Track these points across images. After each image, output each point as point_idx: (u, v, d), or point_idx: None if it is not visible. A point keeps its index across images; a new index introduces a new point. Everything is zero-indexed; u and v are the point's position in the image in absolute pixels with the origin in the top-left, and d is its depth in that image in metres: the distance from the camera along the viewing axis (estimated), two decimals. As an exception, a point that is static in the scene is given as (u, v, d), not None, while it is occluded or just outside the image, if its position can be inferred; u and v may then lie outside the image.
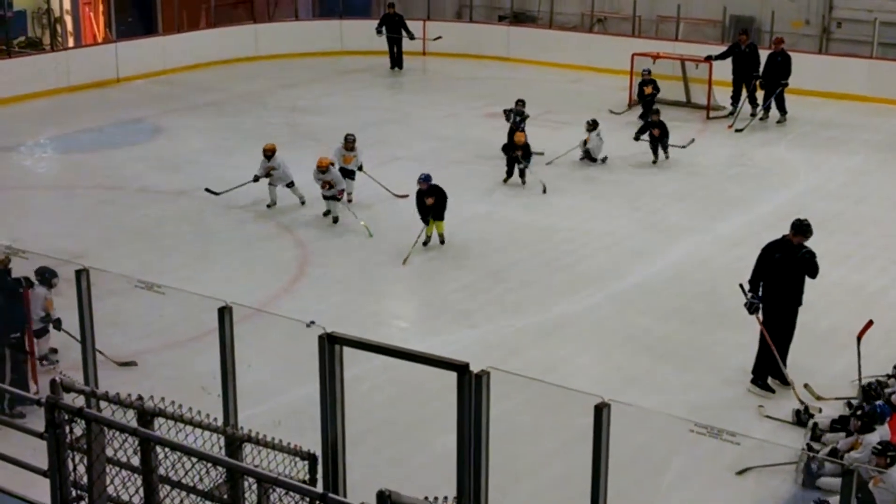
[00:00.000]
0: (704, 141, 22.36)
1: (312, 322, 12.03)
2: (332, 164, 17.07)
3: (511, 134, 19.65)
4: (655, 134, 19.82)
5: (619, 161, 20.71)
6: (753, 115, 23.29)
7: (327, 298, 14.36)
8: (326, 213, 17.25)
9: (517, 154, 18.82)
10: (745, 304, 11.82)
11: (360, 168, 18.05)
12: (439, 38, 29.01)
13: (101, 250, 15.73)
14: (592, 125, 20.29)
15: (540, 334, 13.46)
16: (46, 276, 11.60)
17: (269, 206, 17.87)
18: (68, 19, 30.11)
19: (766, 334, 11.72)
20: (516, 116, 20.46)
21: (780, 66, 22.87)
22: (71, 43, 29.73)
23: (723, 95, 23.87)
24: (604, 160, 20.31)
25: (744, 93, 23.45)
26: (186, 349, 12.29)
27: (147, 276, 12.15)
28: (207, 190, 18.07)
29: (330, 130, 22.81)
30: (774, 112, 23.28)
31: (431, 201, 15.49)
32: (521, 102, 20.64)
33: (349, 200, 17.58)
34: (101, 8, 30.07)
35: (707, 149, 21.81)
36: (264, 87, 27.09)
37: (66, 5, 29.92)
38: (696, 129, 23.07)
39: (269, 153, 17.66)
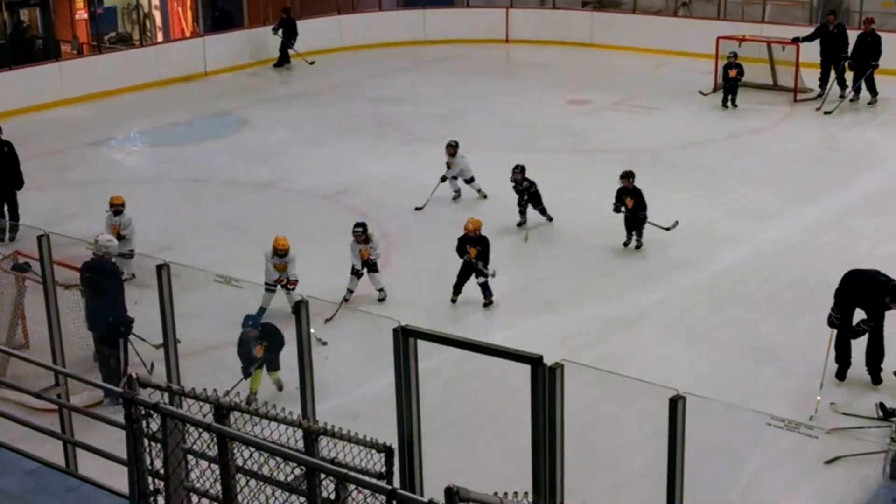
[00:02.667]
0: (792, 124, 22.02)
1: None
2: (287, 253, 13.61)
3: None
4: (629, 205, 15.46)
5: (703, 146, 20.47)
6: (842, 97, 22.83)
7: (409, 288, 14.40)
8: (260, 313, 13.24)
9: (470, 260, 13.99)
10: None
11: (375, 264, 14.18)
12: (313, 62, 28.23)
13: (188, 242, 15.99)
14: (454, 148, 17.57)
15: (623, 323, 13.34)
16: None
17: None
18: (157, 14, 30.62)
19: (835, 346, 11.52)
20: (519, 187, 16.43)
21: (870, 47, 22.36)
22: (160, 38, 30.23)
23: (810, 78, 23.42)
24: (472, 180, 17.69)
25: (832, 74, 22.99)
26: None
27: (233, 268, 12.37)
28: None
29: (414, 119, 22.95)
30: (865, 94, 22.78)
31: (261, 351, 11.56)
32: (519, 169, 16.42)
33: (346, 300, 13.96)
34: (188, 3, 30.51)
35: (795, 132, 21.46)
36: (349, 78, 27.25)
37: (155, 1, 30.40)
38: (783, 113, 22.70)
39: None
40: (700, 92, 23.81)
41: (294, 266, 13.60)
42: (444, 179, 17.54)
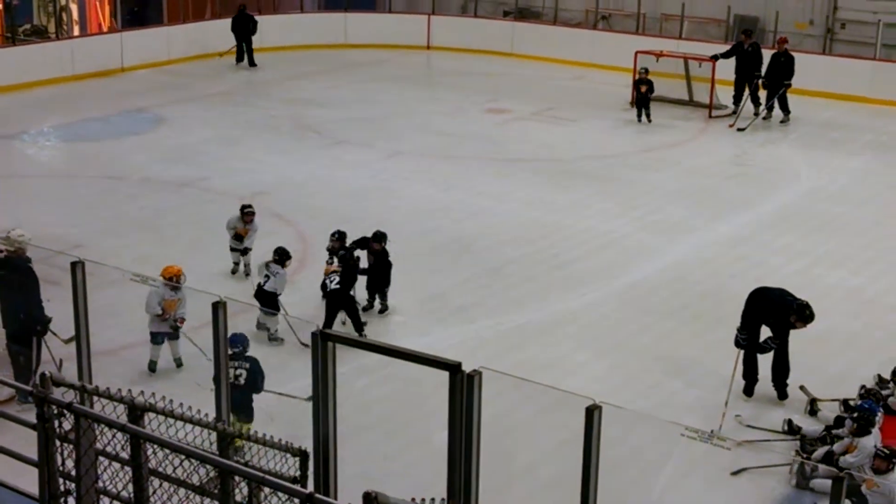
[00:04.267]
0: (707, 140, 22.40)
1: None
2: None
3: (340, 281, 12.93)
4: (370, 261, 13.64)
5: (619, 158, 20.74)
6: (756, 114, 23.26)
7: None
8: (153, 368, 12.00)
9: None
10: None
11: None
12: (222, 55, 28.27)
13: (101, 240, 15.75)
14: (252, 214, 14.55)
15: (539, 331, 13.44)
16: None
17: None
18: (74, 8, 30.13)
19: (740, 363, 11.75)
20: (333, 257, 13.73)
21: (784, 66, 22.84)
22: (76, 32, 29.74)
23: (725, 94, 23.84)
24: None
25: (746, 92, 23.44)
26: (181, 343, 12.18)
27: (146, 267, 12.19)
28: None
29: (333, 123, 22.88)
30: (777, 112, 23.27)
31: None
32: (337, 236, 13.82)
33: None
34: (106, -3, 30.12)
35: (709, 148, 21.82)
36: (268, 79, 27.10)
37: (72, -6, 29.95)
38: (698, 128, 23.08)
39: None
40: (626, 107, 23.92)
41: (185, 305, 11.85)
42: (245, 252, 14.58)
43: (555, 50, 29.11)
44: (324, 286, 12.94)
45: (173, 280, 11.73)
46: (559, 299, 14.38)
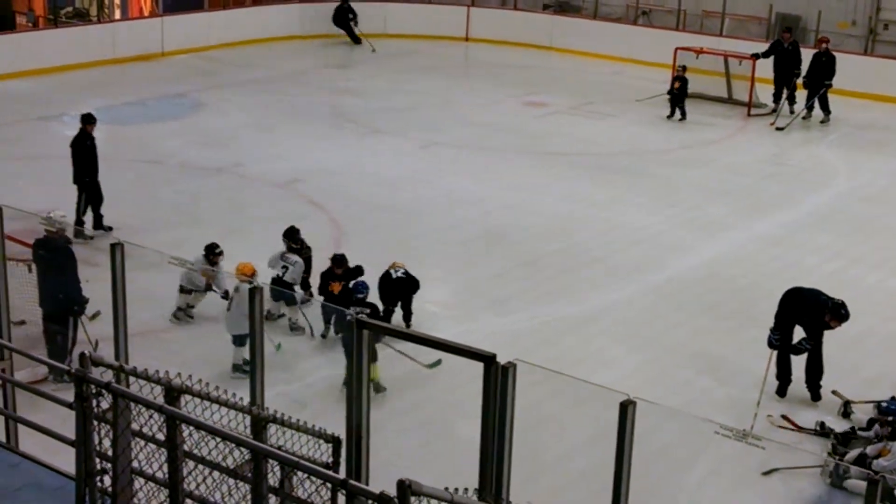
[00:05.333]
0: (745, 138, 22.26)
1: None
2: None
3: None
4: (335, 290, 12.59)
5: (656, 155, 20.65)
6: (794, 112, 23.08)
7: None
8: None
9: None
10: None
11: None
12: (373, 51, 29.14)
13: (137, 223, 15.86)
14: (219, 255, 12.67)
15: (572, 325, 13.42)
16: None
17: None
18: (115, -9, 30.32)
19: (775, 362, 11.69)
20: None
21: (825, 66, 22.64)
22: (118, 15, 29.91)
23: (765, 93, 23.67)
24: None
25: (785, 91, 23.27)
26: (217, 327, 12.26)
27: (182, 251, 12.27)
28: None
29: (370, 112, 22.91)
30: (817, 112, 23.07)
31: None
32: (295, 231, 13.41)
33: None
34: (148, -18, 30.27)
35: (748, 146, 21.68)
36: (307, 67, 27.17)
37: (114, -22, 30.11)
38: (736, 126, 22.93)
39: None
40: (637, 99, 23.79)
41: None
42: (226, 295, 12.36)
43: (594, 44, 29.01)
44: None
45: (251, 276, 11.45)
46: (593, 294, 14.35)
